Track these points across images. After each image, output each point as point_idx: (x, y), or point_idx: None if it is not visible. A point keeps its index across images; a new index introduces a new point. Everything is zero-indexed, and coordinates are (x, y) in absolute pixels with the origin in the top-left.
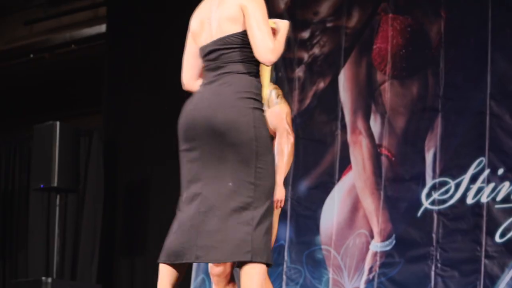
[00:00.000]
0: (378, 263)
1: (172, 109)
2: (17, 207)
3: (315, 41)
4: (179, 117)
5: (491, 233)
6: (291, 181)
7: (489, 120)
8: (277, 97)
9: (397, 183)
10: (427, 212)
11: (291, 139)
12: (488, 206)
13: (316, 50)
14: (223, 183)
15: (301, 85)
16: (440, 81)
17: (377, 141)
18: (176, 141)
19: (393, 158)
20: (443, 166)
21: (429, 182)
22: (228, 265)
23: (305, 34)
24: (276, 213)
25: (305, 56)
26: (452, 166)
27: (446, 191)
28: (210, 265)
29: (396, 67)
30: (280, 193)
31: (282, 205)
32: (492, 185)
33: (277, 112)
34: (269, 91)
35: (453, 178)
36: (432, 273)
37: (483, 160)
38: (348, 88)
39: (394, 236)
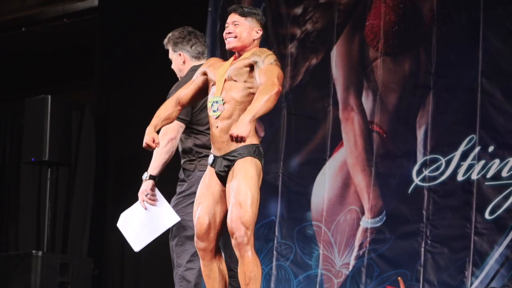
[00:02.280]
0: (368, 239)
1: (163, 84)
2: (8, 181)
3: (307, 17)
4: None
5: (481, 210)
6: (282, 157)
7: (480, 97)
8: (274, 61)
9: (388, 160)
10: (418, 188)
11: (276, 88)
12: (479, 183)
13: (308, 26)
14: None
15: (294, 61)
16: (432, 58)
17: (368, 117)
18: None
19: (384, 135)
20: (434, 143)
21: (420, 159)
22: (213, 239)
23: (298, 10)
24: None
25: (298, 32)
26: (443, 143)
27: (437, 168)
28: (195, 239)
29: (388, 44)
30: (242, 128)
31: (243, 141)
32: (482, 162)
33: (270, 69)
34: (264, 56)
35: (444, 155)
36: (422, 250)
37: (474, 137)
38: (341, 64)
39: (384, 212)
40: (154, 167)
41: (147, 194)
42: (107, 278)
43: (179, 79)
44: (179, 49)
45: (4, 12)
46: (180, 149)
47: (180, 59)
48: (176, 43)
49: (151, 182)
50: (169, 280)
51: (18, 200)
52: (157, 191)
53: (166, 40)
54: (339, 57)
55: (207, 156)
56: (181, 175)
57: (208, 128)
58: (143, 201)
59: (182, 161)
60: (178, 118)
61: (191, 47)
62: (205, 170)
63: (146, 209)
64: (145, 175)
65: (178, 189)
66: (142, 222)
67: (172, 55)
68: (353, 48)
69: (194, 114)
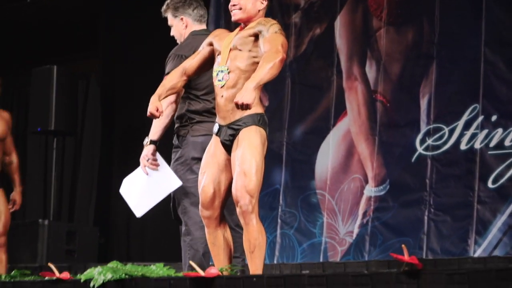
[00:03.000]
0: (372, 207)
1: (167, 53)
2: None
3: None
4: None
5: (483, 179)
6: (286, 126)
7: (483, 67)
8: (278, 30)
9: (392, 129)
10: (421, 157)
11: (280, 56)
12: (481, 152)
13: None
14: None
15: (298, 30)
16: (436, 28)
17: (372, 87)
18: None
19: (388, 104)
20: (437, 113)
21: (424, 128)
22: (217, 206)
23: None
24: None
25: (302, 2)
26: (446, 113)
27: (440, 137)
28: (200, 207)
29: (392, 14)
30: (247, 96)
31: (248, 108)
32: (485, 131)
33: (274, 38)
34: (269, 25)
35: (447, 124)
36: (425, 218)
37: (477, 106)
38: (344, 34)
39: (388, 181)
40: (155, 132)
41: (148, 159)
42: (113, 246)
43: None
44: (181, 14)
45: None
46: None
47: (182, 24)
48: (177, 8)
49: (152, 147)
50: (174, 248)
51: (25, 169)
52: (158, 156)
53: (164, 7)
54: (343, 27)
55: (200, 122)
56: (175, 141)
57: (204, 94)
58: (145, 166)
59: (176, 126)
60: None
61: (193, 10)
62: (198, 135)
63: (147, 174)
64: (146, 140)
65: (173, 156)
66: (144, 187)
67: (172, 21)
68: (356, 18)
69: (192, 78)
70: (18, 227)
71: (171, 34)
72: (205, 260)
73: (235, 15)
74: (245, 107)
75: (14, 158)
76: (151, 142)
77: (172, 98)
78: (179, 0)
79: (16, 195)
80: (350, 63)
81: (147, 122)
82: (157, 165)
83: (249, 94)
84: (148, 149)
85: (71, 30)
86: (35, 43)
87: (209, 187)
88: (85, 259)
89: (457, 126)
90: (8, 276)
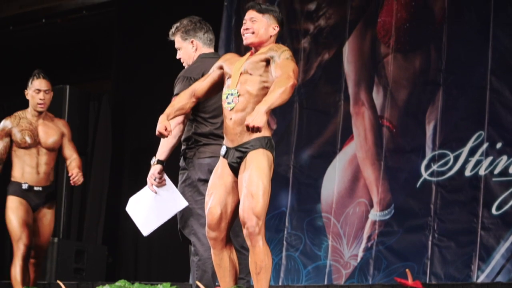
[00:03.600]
0: (376, 231)
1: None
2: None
3: (321, 13)
4: None
5: (488, 205)
6: (294, 150)
7: (489, 94)
8: (289, 56)
9: (398, 154)
10: (426, 183)
11: (292, 81)
12: (486, 178)
13: (322, 22)
14: None
15: (306, 56)
16: (443, 55)
17: (379, 112)
18: None
19: (394, 130)
20: (443, 139)
21: (429, 154)
22: (224, 228)
23: (312, 6)
24: None
25: (311, 27)
26: (451, 139)
27: (445, 163)
28: (206, 228)
29: (399, 41)
30: (259, 119)
31: (259, 131)
32: (490, 158)
33: (286, 64)
34: (280, 51)
35: (452, 150)
36: (429, 243)
37: (482, 133)
38: (352, 60)
39: (393, 205)
40: (162, 151)
41: (155, 178)
42: (121, 265)
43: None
44: (191, 37)
45: (25, 3)
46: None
47: (192, 46)
48: (187, 31)
49: (159, 166)
50: (181, 268)
51: None
52: (165, 176)
53: (173, 30)
54: (351, 53)
55: (206, 144)
56: (182, 163)
57: (212, 117)
58: (152, 185)
59: (182, 147)
60: None
61: (203, 34)
62: (204, 157)
63: (155, 192)
64: (153, 160)
65: (180, 178)
66: (151, 206)
67: (181, 43)
68: (365, 44)
69: (201, 101)
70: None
71: (178, 57)
72: (214, 280)
73: (248, 39)
74: (256, 129)
75: (74, 156)
76: (158, 161)
77: (180, 119)
78: (190, 23)
79: (71, 167)
80: (357, 89)
81: (156, 143)
82: (164, 184)
83: (260, 117)
84: (155, 169)
85: (84, 51)
86: (48, 63)
87: (216, 209)
88: (93, 278)
89: (462, 152)
90: None
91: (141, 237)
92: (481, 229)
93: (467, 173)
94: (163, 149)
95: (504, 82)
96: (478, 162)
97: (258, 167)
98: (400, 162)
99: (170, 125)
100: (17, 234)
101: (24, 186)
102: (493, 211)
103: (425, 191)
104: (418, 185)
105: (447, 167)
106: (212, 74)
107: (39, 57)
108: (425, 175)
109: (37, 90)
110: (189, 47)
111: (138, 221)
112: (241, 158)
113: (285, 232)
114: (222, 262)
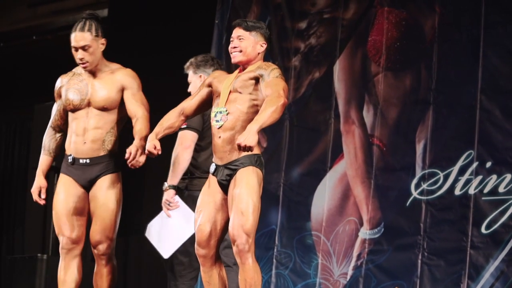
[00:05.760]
0: (366, 250)
1: (172, 95)
2: (16, 185)
3: (312, 31)
4: None
5: (477, 224)
6: (284, 167)
7: (479, 114)
8: (279, 75)
9: (388, 173)
10: (416, 201)
11: (282, 100)
12: (475, 197)
13: (312, 41)
14: None
15: (297, 74)
16: (433, 74)
17: (369, 131)
18: None
19: (384, 148)
20: (432, 158)
21: (419, 173)
22: (213, 246)
23: (302, 25)
24: None
25: (302, 46)
26: (441, 158)
27: (435, 182)
28: (196, 246)
29: (390, 59)
30: (251, 138)
31: (250, 150)
32: (480, 177)
33: (276, 83)
34: (270, 70)
35: (442, 169)
36: (419, 262)
37: (472, 153)
38: (343, 78)
39: (383, 224)
40: (172, 176)
41: (170, 203)
42: None
43: None
44: (201, 71)
45: (16, 20)
46: None
47: (200, 81)
48: (198, 66)
49: (172, 192)
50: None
51: (25, 204)
52: (178, 199)
53: (188, 64)
54: (342, 71)
55: (199, 178)
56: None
57: (208, 144)
58: (167, 209)
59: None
60: (193, 129)
61: (212, 70)
62: (195, 190)
63: (170, 216)
64: (165, 185)
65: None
66: (168, 229)
67: (192, 77)
68: (355, 63)
69: (204, 130)
70: (17, 261)
71: (188, 90)
72: None
73: (235, 57)
74: (247, 149)
75: (139, 113)
76: (170, 187)
77: (187, 143)
78: (202, 59)
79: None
80: (348, 107)
81: (148, 160)
82: (178, 206)
83: (252, 136)
84: (168, 194)
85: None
86: (38, 79)
87: (205, 226)
88: None
89: (452, 171)
90: None
91: (130, 255)
92: (471, 248)
93: (457, 192)
94: (173, 174)
95: (494, 101)
96: (468, 181)
97: (248, 185)
98: (390, 180)
99: (159, 144)
100: (56, 225)
101: (69, 159)
102: (483, 230)
103: (415, 209)
104: (408, 203)
105: (437, 186)
106: (200, 92)
107: (29, 73)
108: (415, 193)
109: (73, 48)
110: (197, 81)
111: (158, 245)
112: (231, 176)
113: (275, 250)
114: (212, 279)
